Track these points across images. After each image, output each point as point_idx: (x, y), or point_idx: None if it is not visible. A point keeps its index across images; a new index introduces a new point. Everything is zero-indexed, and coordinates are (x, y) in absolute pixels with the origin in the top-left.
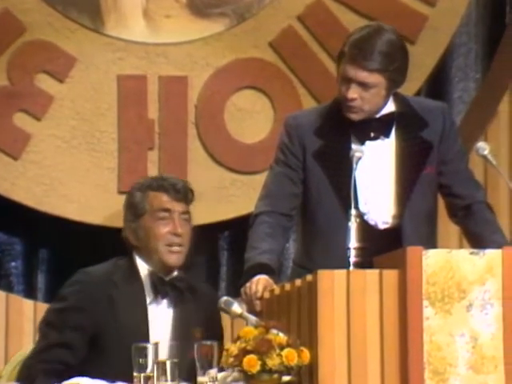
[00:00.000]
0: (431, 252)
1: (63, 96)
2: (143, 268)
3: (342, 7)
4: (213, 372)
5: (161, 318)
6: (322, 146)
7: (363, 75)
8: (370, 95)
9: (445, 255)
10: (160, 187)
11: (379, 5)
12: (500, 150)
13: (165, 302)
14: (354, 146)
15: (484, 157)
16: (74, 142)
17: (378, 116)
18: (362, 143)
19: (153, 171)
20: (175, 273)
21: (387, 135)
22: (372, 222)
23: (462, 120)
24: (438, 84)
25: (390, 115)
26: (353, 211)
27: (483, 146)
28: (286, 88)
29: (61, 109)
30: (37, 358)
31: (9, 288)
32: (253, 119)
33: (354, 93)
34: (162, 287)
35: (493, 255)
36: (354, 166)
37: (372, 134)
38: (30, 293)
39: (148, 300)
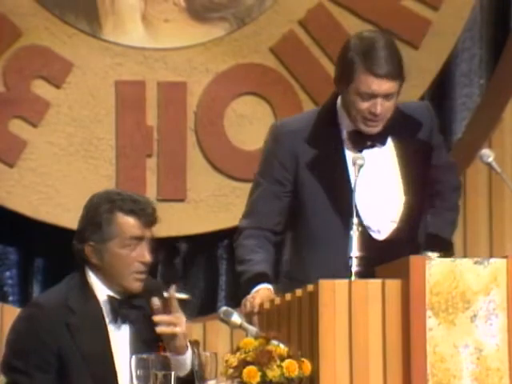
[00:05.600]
0: (435, 261)
1: (60, 102)
2: (100, 288)
3: (344, 11)
4: (211, 383)
5: (120, 337)
6: (315, 156)
7: (387, 86)
8: (391, 104)
9: (448, 264)
10: (131, 212)
11: (382, 9)
12: (504, 157)
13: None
14: (354, 154)
15: (488, 164)
16: (70, 149)
17: None
18: (360, 151)
19: (151, 179)
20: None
21: (383, 143)
22: (371, 231)
23: (465, 127)
24: (441, 90)
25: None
26: (354, 220)
27: (487, 154)
28: (286, 94)
29: (57, 115)
30: None
31: (3, 298)
32: (253, 126)
33: (381, 107)
34: (121, 310)
35: (497, 264)
36: (357, 173)
37: (368, 143)
38: (25, 303)
39: (107, 321)
